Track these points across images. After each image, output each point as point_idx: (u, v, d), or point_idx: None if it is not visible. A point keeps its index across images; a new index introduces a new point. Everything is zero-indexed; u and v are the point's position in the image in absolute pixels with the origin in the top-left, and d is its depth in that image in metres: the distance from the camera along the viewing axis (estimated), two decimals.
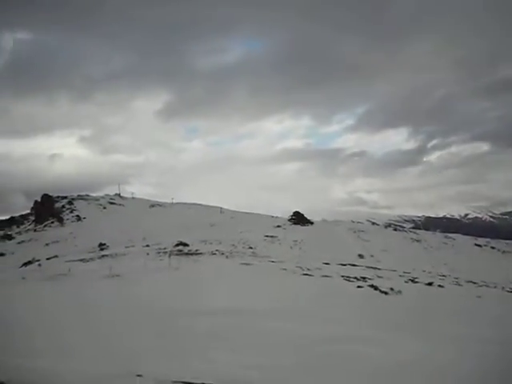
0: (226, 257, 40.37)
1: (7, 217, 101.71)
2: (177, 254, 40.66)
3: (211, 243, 50.35)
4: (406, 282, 32.07)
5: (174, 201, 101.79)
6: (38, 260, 48.65)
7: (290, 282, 28.67)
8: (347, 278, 30.97)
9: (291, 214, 71.38)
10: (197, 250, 43.67)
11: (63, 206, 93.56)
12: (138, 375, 9.25)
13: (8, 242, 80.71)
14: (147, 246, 50.40)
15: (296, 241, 54.13)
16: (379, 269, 38.54)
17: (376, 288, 27.51)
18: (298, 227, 64.87)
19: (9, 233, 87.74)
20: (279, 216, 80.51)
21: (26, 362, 9.31)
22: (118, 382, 8.72)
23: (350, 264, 39.86)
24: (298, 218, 68.80)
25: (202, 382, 8.95)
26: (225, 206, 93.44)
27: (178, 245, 47.04)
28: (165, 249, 45.33)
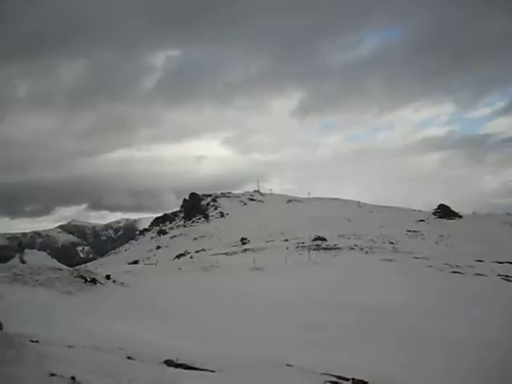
0: (366, 252, 39.34)
1: (161, 214, 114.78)
2: (315, 249, 40.92)
3: (349, 238, 49.58)
4: None
5: (311, 196, 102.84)
6: (189, 253, 53.35)
7: (438, 280, 26.73)
8: (506, 278, 27.74)
9: (435, 207, 66.68)
10: (335, 245, 43.41)
11: (208, 204, 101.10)
12: (288, 365, 9.48)
13: (163, 236, 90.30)
14: (286, 240, 51.69)
15: (442, 236, 50.33)
16: None
17: None
18: (444, 221, 60.25)
19: (163, 228, 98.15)
20: (422, 209, 75.83)
21: (183, 343, 10.23)
22: (268, 369, 9.00)
23: (508, 262, 35.64)
24: (444, 212, 63.87)
25: (352, 376, 8.81)
26: (362, 200, 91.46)
27: (315, 239, 47.36)
28: (303, 243, 45.95)
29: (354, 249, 41.10)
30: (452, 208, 65.15)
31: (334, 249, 41.39)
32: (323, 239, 47.27)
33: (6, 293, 15.41)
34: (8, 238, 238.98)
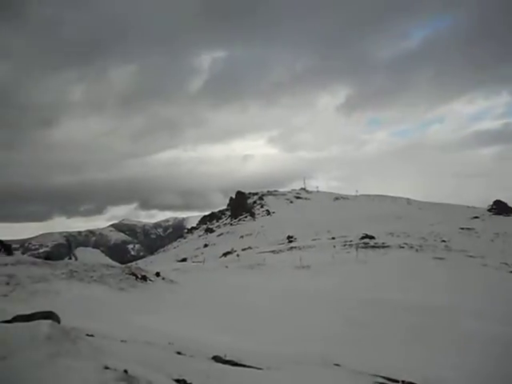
0: (416, 250, 38.16)
1: (208, 212, 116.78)
2: (363, 247, 40.17)
3: (398, 236, 48.32)
4: None
5: (358, 193, 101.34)
6: (236, 251, 53.83)
7: (495, 279, 25.56)
8: None
9: (490, 203, 63.80)
10: (383, 243, 42.41)
11: (254, 202, 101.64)
12: (336, 364, 9.37)
13: (210, 234, 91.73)
14: (333, 238, 51.06)
15: (498, 233, 48.04)
16: None
17: None
18: (500, 218, 57.58)
19: (210, 226, 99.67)
20: (475, 206, 72.78)
21: (230, 340, 10.34)
22: (316, 368, 8.93)
23: None
24: (500, 208, 60.99)
25: (402, 379, 8.59)
26: (412, 197, 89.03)
27: (363, 237, 46.46)
28: (351, 241, 45.23)
29: (403, 247, 39.98)
30: (509, 204, 62.13)
31: (383, 247, 40.46)
32: (371, 237, 46.31)
33: (64, 288, 16.20)
34: (65, 237, 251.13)
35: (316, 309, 16.04)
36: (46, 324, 5.48)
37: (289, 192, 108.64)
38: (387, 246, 40.57)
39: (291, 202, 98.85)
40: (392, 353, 11.01)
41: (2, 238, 21.00)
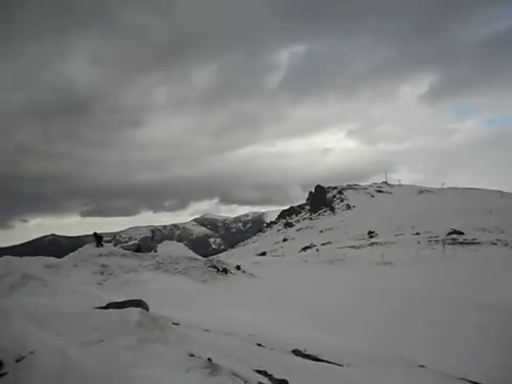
0: (511, 247, 35.36)
1: (287, 207, 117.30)
2: (450, 243, 38.05)
3: (491, 232, 45.06)
4: None
5: (445, 186, 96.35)
6: (315, 245, 53.53)
7: None
8: None
9: None
10: (473, 239, 39.81)
11: (334, 196, 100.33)
12: (421, 366, 9.00)
13: (289, 228, 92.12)
14: (417, 234, 48.98)
15: None
16: None
17: None
18: None
19: (289, 221, 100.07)
20: None
21: (309, 334, 10.31)
22: (400, 369, 8.63)
23: None
24: None
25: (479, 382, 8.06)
26: (506, 190, 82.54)
27: (451, 233, 44.03)
28: (436, 237, 43.08)
29: (496, 244, 37.24)
30: None
31: (473, 243, 38.00)
32: (460, 233, 43.70)
33: (151, 279, 17.20)
34: (151, 230, 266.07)
35: (399, 307, 15.48)
36: (136, 311, 5.87)
37: (369, 186, 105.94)
38: (478, 243, 38.05)
39: (372, 195, 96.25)
40: (481, 356, 10.32)
41: (96, 231, 22.70)
